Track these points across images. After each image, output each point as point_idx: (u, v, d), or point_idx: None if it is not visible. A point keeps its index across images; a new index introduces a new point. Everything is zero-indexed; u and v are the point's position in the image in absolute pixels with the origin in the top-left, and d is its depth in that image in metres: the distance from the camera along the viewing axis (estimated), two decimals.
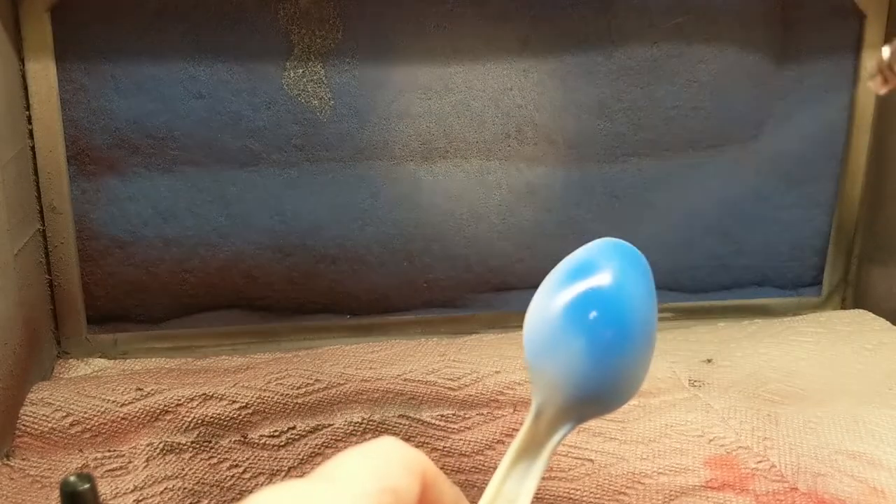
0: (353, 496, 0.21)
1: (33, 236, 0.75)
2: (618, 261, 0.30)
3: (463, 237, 0.86)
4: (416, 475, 0.23)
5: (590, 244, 0.31)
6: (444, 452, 0.67)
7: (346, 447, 0.73)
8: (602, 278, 0.29)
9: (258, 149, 0.81)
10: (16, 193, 0.70)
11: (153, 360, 0.79)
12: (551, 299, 0.29)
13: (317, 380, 0.71)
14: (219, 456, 0.65)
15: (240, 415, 0.68)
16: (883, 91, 0.38)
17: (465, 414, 0.70)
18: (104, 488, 0.61)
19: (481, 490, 0.28)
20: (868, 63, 0.39)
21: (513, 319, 0.88)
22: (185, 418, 0.67)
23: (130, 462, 0.64)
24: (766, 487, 0.62)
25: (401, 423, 0.69)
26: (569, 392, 0.28)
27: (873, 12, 0.84)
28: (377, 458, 0.22)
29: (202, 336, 0.84)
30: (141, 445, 0.65)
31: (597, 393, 0.28)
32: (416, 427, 0.69)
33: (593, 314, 0.28)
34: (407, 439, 0.68)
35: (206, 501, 0.63)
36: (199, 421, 0.67)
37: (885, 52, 0.38)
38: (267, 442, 0.67)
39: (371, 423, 0.69)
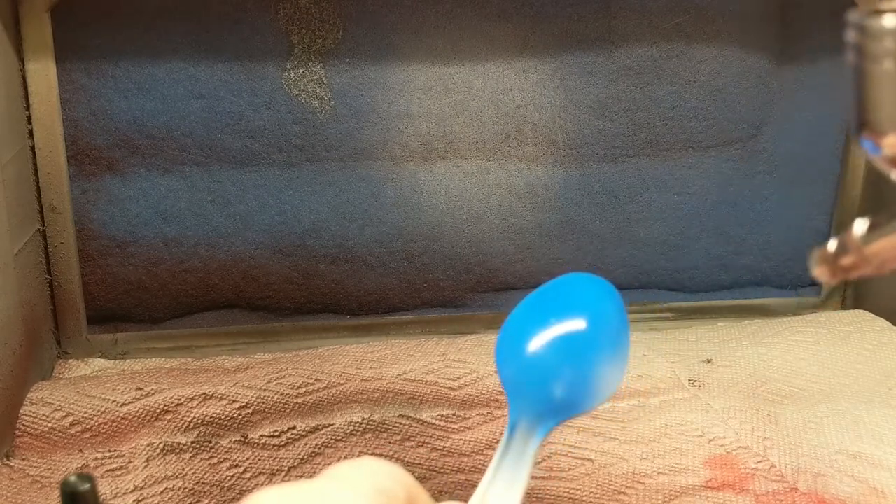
0: (356, 495, 0.22)
1: (33, 236, 0.75)
2: (578, 287, 0.35)
3: (463, 237, 0.86)
4: (401, 485, 0.24)
5: (558, 278, 0.36)
6: (444, 452, 0.67)
7: (346, 447, 0.73)
8: (563, 303, 0.34)
9: (258, 149, 0.81)
10: (16, 193, 0.70)
11: (153, 360, 0.79)
12: (520, 324, 0.33)
13: (317, 380, 0.71)
14: (219, 456, 0.65)
15: (240, 415, 0.68)
16: (833, 282, 0.39)
17: (465, 414, 0.70)
18: (104, 488, 0.61)
19: None
20: (814, 254, 0.39)
21: None
22: (185, 418, 0.67)
23: (130, 462, 0.64)
24: (766, 487, 0.62)
25: (401, 423, 0.69)
26: (541, 404, 0.31)
27: None
28: (368, 468, 0.24)
29: (202, 336, 0.84)
30: (141, 445, 0.65)
31: (567, 401, 0.32)
32: (416, 427, 0.69)
33: (556, 333, 0.32)
34: (407, 439, 0.68)
35: (206, 501, 0.63)
36: (199, 421, 0.67)
37: (832, 245, 0.38)
38: (267, 442, 0.67)
39: (371, 423, 0.69)
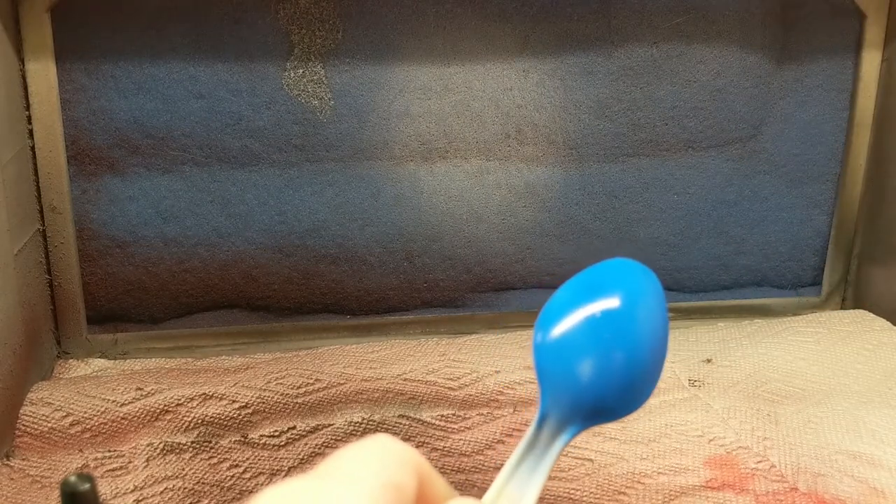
0: (361, 494, 0.21)
1: (33, 236, 0.75)
2: (631, 280, 0.31)
3: (463, 237, 0.86)
4: (412, 471, 0.23)
5: (606, 261, 0.32)
6: (444, 452, 0.67)
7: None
8: (615, 297, 0.30)
9: (258, 149, 0.81)
10: (16, 193, 0.70)
11: (153, 360, 0.79)
12: (566, 311, 0.30)
13: (317, 380, 0.71)
14: (219, 456, 0.65)
15: (240, 415, 0.68)
16: None
17: (465, 414, 0.70)
18: (104, 488, 0.61)
19: (482, 490, 0.29)
20: None
21: (512, 319, 0.88)
22: (185, 418, 0.67)
23: (130, 462, 0.64)
24: (766, 487, 0.62)
25: (401, 423, 0.69)
26: (575, 400, 0.29)
27: (873, 12, 0.84)
28: (376, 456, 0.23)
29: (202, 336, 0.84)
30: (141, 445, 0.65)
31: (603, 403, 0.29)
32: (416, 427, 0.69)
33: (605, 330, 0.29)
34: (407, 439, 0.68)
35: (206, 501, 0.63)
36: (199, 421, 0.67)
37: None
38: (267, 442, 0.67)
39: (371, 423, 0.69)
